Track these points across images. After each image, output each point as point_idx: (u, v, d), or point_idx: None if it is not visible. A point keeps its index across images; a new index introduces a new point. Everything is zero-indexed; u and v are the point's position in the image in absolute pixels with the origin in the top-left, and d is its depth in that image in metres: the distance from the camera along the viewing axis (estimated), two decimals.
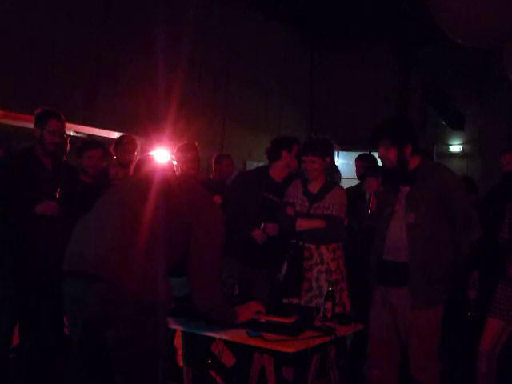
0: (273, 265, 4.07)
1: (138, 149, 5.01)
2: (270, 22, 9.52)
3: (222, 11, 8.56)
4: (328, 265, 3.87)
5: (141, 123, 6.60)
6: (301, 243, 3.90)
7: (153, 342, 2.38)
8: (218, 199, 4.10)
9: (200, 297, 2.61)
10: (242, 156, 8.94)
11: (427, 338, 3.24)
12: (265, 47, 9.42)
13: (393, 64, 10.44)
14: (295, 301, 3.77)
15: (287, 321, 3.08)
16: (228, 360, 3.69)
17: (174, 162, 4.61)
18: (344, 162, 9.83)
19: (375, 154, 4.79)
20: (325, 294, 3.37)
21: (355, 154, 5.50)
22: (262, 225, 4.09)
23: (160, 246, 2.41)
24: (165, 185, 2.58)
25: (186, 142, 4.88)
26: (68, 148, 3.99)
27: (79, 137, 6.47)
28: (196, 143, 4.78)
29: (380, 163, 3.64)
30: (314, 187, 3.99)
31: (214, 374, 3.70)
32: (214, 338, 3.20)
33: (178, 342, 4.01)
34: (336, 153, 8.95)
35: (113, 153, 4.87)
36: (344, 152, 10.02)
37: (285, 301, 3.77)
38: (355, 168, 5.27)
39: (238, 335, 2.88)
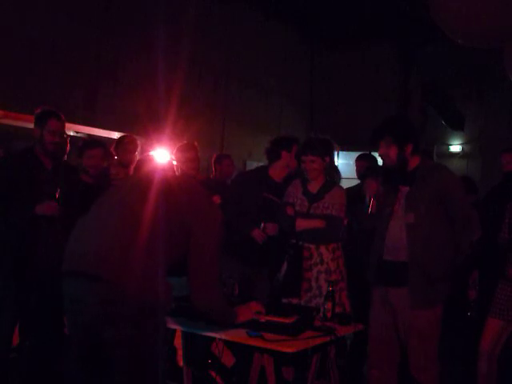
0: (273, 265, 4.07)
1: (138, 149, 5.01)
2: (270, 21, 9.52)
3: (221, 11, 8.57)
4: (328, 265, 3.87)
5: (141, 123, 6.60)
6: (300, 243, 3.90)
7: (153, 342, 2.38)
8: (217, 199, 4.11)
9: (200, 297, 2.61)
10: (242, 156, 8.94)
11: (427, 338, 3.24)
12: (265, 47, 9.42)
13: (393, 64, 10.44)
14: (295, 301, 3.77)
15: (287, 321, 3.08)
16: (228, 360, 3.69)
17: (174, 162, 4.61)
18: (344, 161, 9.83)
19: (375, 154, 4.79)
20: (325, 294, 3.36)
21: (355, 154, 5.50)
22: (262, 225, 4.09)
23: (160, 246, 2.41)
24: (165, 185, 2.58)
25: (185, 141, 4.88)
26: (68, 148, 3.99)
27: (79, 137, 6.47)
28: (196, 143, 4.78)
29: (380, 163, 3.64)
30: (314, 187, 3.99)
31: (214, 373, 3.70)
32: (214, 338, 3.20)
33: (178, 342, 4.01)
34: (336, 153, 8.95)
35: (114, 153, 4.87)
36: (344, 152, 10.02)
37: (284, 301, 3.77)
38: (355, 168, 5.27)
39: (238, 335, 2.88)
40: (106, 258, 2.34)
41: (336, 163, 6.52)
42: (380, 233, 3.37)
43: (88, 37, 6.70)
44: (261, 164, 4.94)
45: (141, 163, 4.47)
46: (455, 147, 10.18)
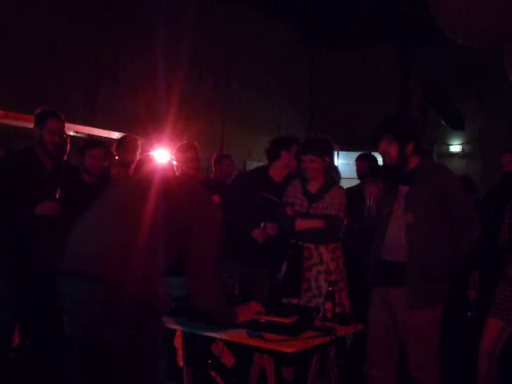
0: (272, 265, 4.07)
1: (139, 149, 5.02)
2: (270, 21, 9.52)
3: (222, 11, 8.57)
4: (327, 265, 3.87)
5: (141, 123, 6.59)
6: (300, 243, 3.90)
7: (152, 342, 2.38)
8: (216, 198, 4.11)
9: (199, 297, 2.61)
10: (242, 156, 8.94)
11: (426, 338, 3.24)
12: (265, 47, 9.42)
13: (393, 64, 10.44)
14: (294, 301, 3.77)
15: (287, 321, 3.08)
16: (228, 360, 3.69)
17: (174, 162, 4.61)
18: (344, 162, 9.84)
19: (376, 154, 4.79)
20: (325, 294, 3.36)
21: (355, 154, 5.50)
22: (262, 224, 4.09)
23: (160, 246, 2.41)
24: (165, 185, 2.58)
25: (185, 141, 4.88)
26: (68, 148, 3.99)
27: (79, 137, 6.47)
28: (195, 143, 4.79)
29: (380, 163, 3.64)
30: (313, 187, 3.98)
31: (214, 374, 3.69)
32: (214, 338, 3.20)
33: (178, 342, 4.01)
34: (336, 153, 8.95)
35: (114, 153, 4.87)
36: (344, 152, 10.02)
37: (284, 301, 3.77)
38: (355, 168, 5.27)
39: (238, 335, 2.88)
40: (106, 258, 2.34)
41: (336, 163, 6.52)
42: (379, 233, 3.37)
43: (88, 37, 6.70)
44: (261, 164, 4.94)
45: (141, 163, 4.47)
46: (455, 147, 10.18)
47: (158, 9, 6.89)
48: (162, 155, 5.65)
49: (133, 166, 4.66)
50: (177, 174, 4.39)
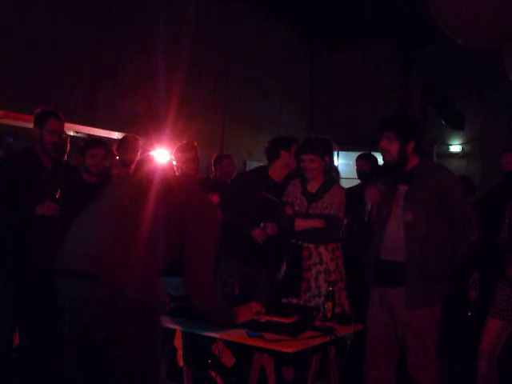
0: (272, 265, 4.07)
1: (140, 149, 5.02)
2: (270, 21, 9.53)
3: (222, 11, 8.57)
4: (327, 265, 3.86)
5: (141, 123, 6.59)
6: (300, 243, 3.90)
7: (152, 342, 2.38)
8: (215, 198, 4.10)
9: (199, 297, 2.61)
10: (242, 156, 8.95)
11: (426, 338, 3.24)
12: (265, 47, 9.42)
13: (393, 64, 10.44)
14: (294, 301, 3.77)
15: (287, 321, 3.08)
16: (228, 360, 3.69)
17: (174, 162, 4.61)
18: (344, 162, 9.85)
19: (376, 154, 4.78)
20: (324, 294, 3.36)
21: (355, 154, 5.51)
22: (262, 224, 4.09)
23: (160, 246, 2.41)
24: (165, 185, 2.58)
25: (185, 141, 4.88)
26: (68, 148, 3.99)
27: (79, 137, 6.47)
28: (195, 143, 4.78)
29: (381, 163, 3.63)
30: (313, 186, 3.98)
31: (214, 373, 3.69)
32: (214, 338, 3.20)
33: (178, 342, 4.01)
34: (336, 153, 8.95)
35: (115, 152, 4.87)
36: (344, 152, 10.02)
37: (284, 301, 3.77)
38: (355, 168, 5.27)
39: (238, 335, 2.88)
40: (106, 258, 2.34)
41: (336, 163, 6.52)
42: (378, 232, 3.36)
43: (88, 37, 6.71)
44: (261, 164, 4.94)
45: (141, 163, 4.46)
46: (455, 147, 10.19)
47: (158, 9, 6.91)
48: (162, 155, 5.65)
49: (133, 166, 4.66)
50: (177, 173, 4.39)
